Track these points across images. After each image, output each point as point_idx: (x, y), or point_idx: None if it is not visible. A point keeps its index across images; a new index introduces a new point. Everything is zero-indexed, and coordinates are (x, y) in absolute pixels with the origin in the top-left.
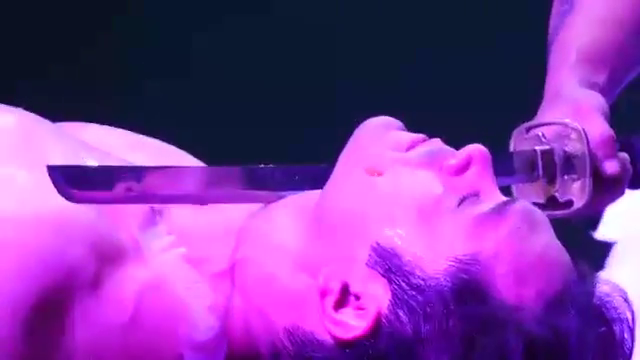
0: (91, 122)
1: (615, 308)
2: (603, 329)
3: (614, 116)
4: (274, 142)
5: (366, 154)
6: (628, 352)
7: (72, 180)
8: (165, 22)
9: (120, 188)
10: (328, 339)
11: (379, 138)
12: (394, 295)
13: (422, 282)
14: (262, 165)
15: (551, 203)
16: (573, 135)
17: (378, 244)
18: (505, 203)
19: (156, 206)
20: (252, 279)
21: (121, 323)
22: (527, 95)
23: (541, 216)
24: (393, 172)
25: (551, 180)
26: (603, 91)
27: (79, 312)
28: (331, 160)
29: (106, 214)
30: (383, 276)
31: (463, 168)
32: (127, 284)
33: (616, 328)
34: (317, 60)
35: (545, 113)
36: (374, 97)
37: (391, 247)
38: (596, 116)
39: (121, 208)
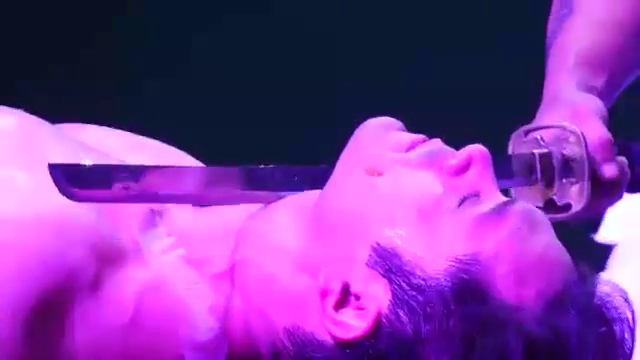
0: (91, 122)
1: (615, 308)
2: (603, 329)
3: (613, 120)
4: (274, 142)
5: (366, 154)
6: (628, 352)
7: (73, 179)
8: (165, 22)
9: (120, 187)
10: (328, 339)
11: (379, 138)
12: (394, 295)
13: (422, 282)
14: (262, 165)
15: (549, 206)
16: (571, 138)
17: (378, 244)
18: (505, 203)
19: (156, 208)
20: (252, 280)
21: (121, 324)
22: (527, 95)
23: (541, 217)
24: (393, 172)
25: (549, 183)
26: (601, 95)
27: (79, 313)
28: (331, 160)
29: (106, 215)
30: (383, 276)
31: (463, 168)
32: (127, 285)
33: (616, 328)
34: (317, 60)
35: (543, 116)
36: (374, 97)
37: (391, 247)
38: (594, 120)
39: (121, 209)
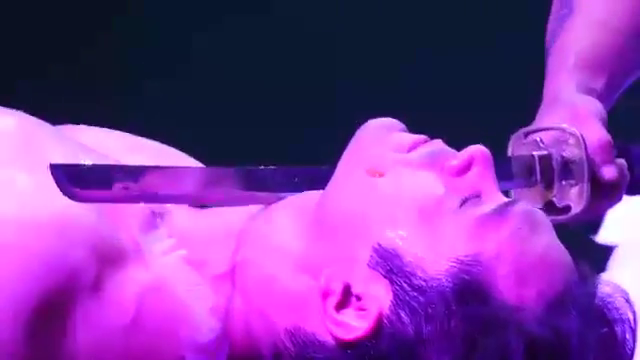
0: (91, 122)
1: (617, 309)
2: (605, 330)
3: (612, 122)
4: (274, 142)
5: (368, 155)
6: (630, 353)
7: (74, 179)
8: (165, 22)
9: (121, 187)
10: (329, 340)
11: (381, 139)
12: (395, 296)
13: (424, 283)
14: (262, 166)
15: (549, 208)
16: (571, 140)
17: (379, 245)
18: (507, 204)
19: (157, 209)
20: (253, 281)
21: (122, 325)
22: (527, 95)
23: (543, 217)
24: (394, 173)
25: (549, 185)
26: (601, 97)
27: (80, 314)
28: (331, 160)
29: (107, 216)
30: (385, 277)
31: (465, 169)
32: (128, 286)
33: (618, 329)
34: (317, 60)
35: (543, 118)
36: (374, 97)
37: (392, 248)
38: (594, 122)
39: (122, 211)
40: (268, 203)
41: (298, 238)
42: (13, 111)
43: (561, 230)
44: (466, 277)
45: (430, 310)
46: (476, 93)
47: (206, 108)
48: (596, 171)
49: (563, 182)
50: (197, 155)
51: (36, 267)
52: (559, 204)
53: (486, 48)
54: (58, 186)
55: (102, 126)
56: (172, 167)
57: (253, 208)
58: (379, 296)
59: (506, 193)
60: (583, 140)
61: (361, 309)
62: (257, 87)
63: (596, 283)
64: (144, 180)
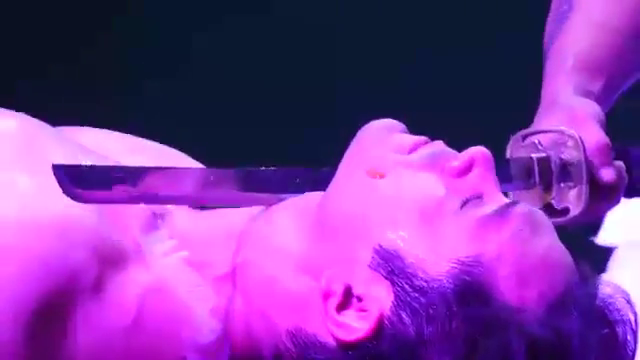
0: (91, 122)
1: (618, 310)
2: (606, 331)
3: (611, 124)
4: (274, 142)
5: (368, 156)
6: (631, 354)
7: (77, 179)
8: (165, 22)
9: (122, 188)
10: (331, 341)
11: (382, 140)
12: (397, 297)
13: (425, 284)
14: (263, 167)
15: (547, 210)
16: (569, 143)
17: (380, 246)
18: (508, 205)
19: (157, 210)
20: (254, 282)
21: (123, 326)
22: (527, 95)
23: (544, 218)
24: (395, 174)
25: (547, 187)
26: (599, 99)
27: (81, 316)
28: (331, 161)
29: (108, 218)
30: (386, 278)
31: (466, 170)
32: (129, 287)
33: (619, 330)
34: (317, 60)
35: (541, 121)
36: (374, 97)
37: (394, 249)
38: (592, 124)
39: (123, 212)
40: (269, 204)
41: (299, 239)
42: (14, 113)
43: (561, 232)
44: (467, 278)
45: (431, 311)
46: (476, 93)
47: (206, 108)
48: (594, 173)
49: (561, 184)
50: (197, 155)
51: (37, 268)
52: (557, 206)
53: (486, 48)
54: (60, 186)
55: (102, 126)
56: (173, 168)
57: (254, 209)
58: (380, 297)
59: (505, 195)
60: (582, 142)
61: (362, 310)
62: (257, 87)
63: (597, 284)
64: (145, 181)
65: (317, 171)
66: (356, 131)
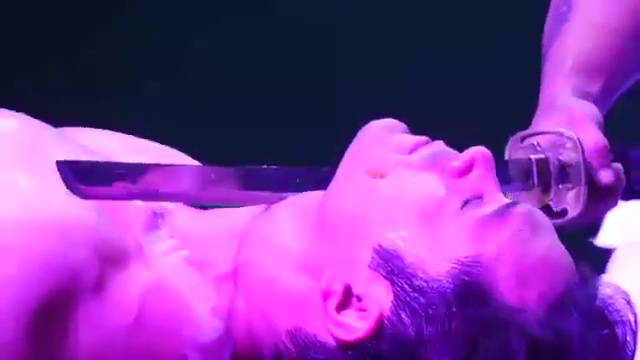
0: (91, 122)
1: (617, 310)
2: (605, 331)
3: (609, 125)
4: (274, 142)
5: (369, 156)
6: (630, 354)
7: (80, 175)
8: (165, 22)
9: (125, 185)
10: (330, 341)
11: (382, 140)
12: (396, 297)
13: (424, 284)
14: (264, 166)
15: (546, 212)
16: (568, 144)
17: (380, 246)
18: (508, 205)
19: (158, 209)
20: (255, 281)
21: (125, 325)
22: (527, 96)
23: (544, 219)
24: (396, 174)
25: (546, 189)
26: (597, 101)
27: (82, 315)
28: (331, 160)
29: (109, 217)
30: (385, 278)
31: (466, 170)
32: (130, 286)
33: (618, 330)
34: (317, 60)
35: (540, 122)
36: (374, 97)
37: (393, 249)
38: (590, 125)
39: (123, 211)
40: (270, 203)
41: (299, 238)
42: (15, 113)
43: (560, 233)
44: (467, 278)
45: (431, 311)
46: (477, 93)
47: (206, 108)
48: (593, 175)
49: (560, 186)
50: (197, 155)
51: (37, 268)
52: (556, 208)
53: (487, 48)
54: (64, 182)
55: (102, 126)
56: (174, 165)
57: (255, 208)
58: (380, 297)
59: (504, 196)
60: (580, 144)
61: (362, 310)
62: (257, 87)
63: (597, 285)
64: (147, 178)
65: (317, 171)
66: (356, 131)
